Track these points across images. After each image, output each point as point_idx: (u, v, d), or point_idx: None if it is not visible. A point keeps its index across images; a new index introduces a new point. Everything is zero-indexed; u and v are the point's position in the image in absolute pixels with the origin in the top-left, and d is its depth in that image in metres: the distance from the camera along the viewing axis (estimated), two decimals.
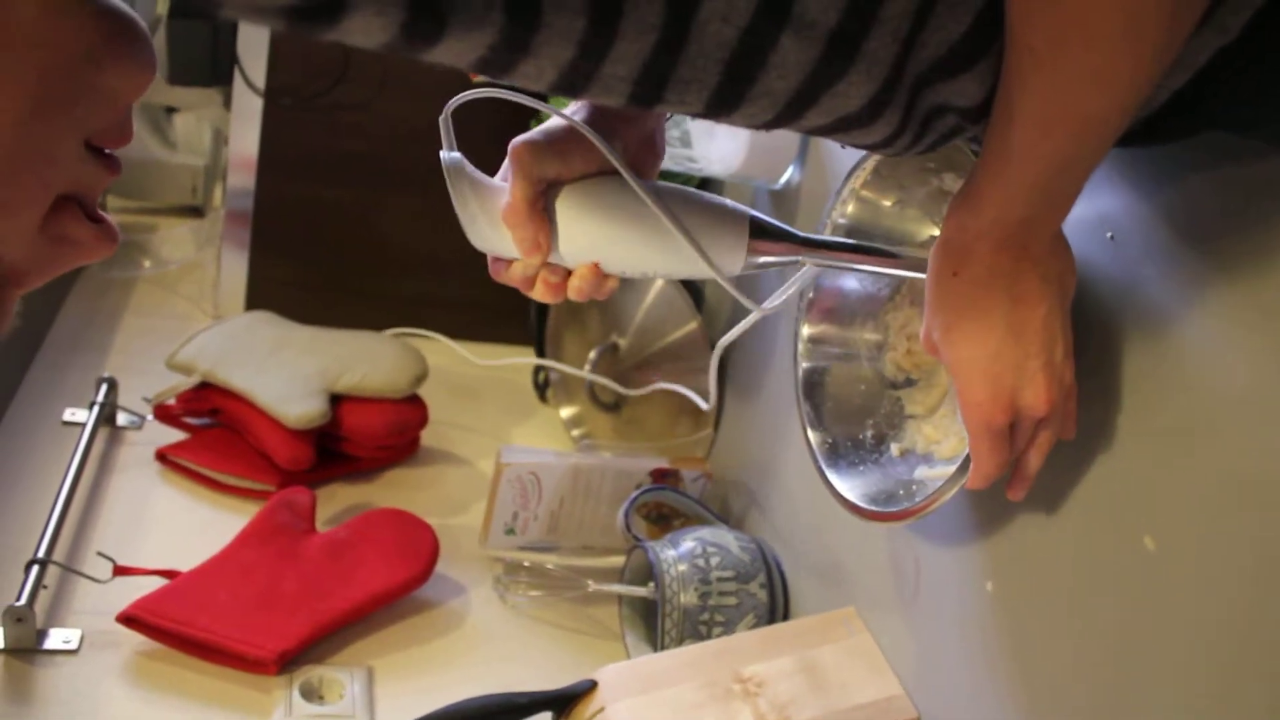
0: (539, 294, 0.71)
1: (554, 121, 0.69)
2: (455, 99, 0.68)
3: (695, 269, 0.70)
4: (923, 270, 0.71)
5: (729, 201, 0.72)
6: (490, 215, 0.68)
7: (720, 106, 0.57)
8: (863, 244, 0.77)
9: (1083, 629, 0.74)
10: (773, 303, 0.78)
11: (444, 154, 0.69)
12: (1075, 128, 0.55)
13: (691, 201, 0.70)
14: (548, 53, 0.52)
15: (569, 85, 0.55)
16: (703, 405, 0.91)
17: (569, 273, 0.71)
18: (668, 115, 0.76)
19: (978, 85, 0.57)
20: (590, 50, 0.52)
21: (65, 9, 0.46)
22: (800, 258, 0.73)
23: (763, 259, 0.71)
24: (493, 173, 0.71)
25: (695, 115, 0.58)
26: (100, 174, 0.51)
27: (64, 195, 0.50)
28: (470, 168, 0.69)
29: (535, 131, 0.69)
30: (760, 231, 0.71)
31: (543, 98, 0.66)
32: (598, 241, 0.69)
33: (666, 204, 0.68)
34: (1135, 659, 0.69)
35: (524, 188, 0.67)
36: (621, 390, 1.35)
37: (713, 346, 1.34)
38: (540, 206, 0.68)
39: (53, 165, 0.49)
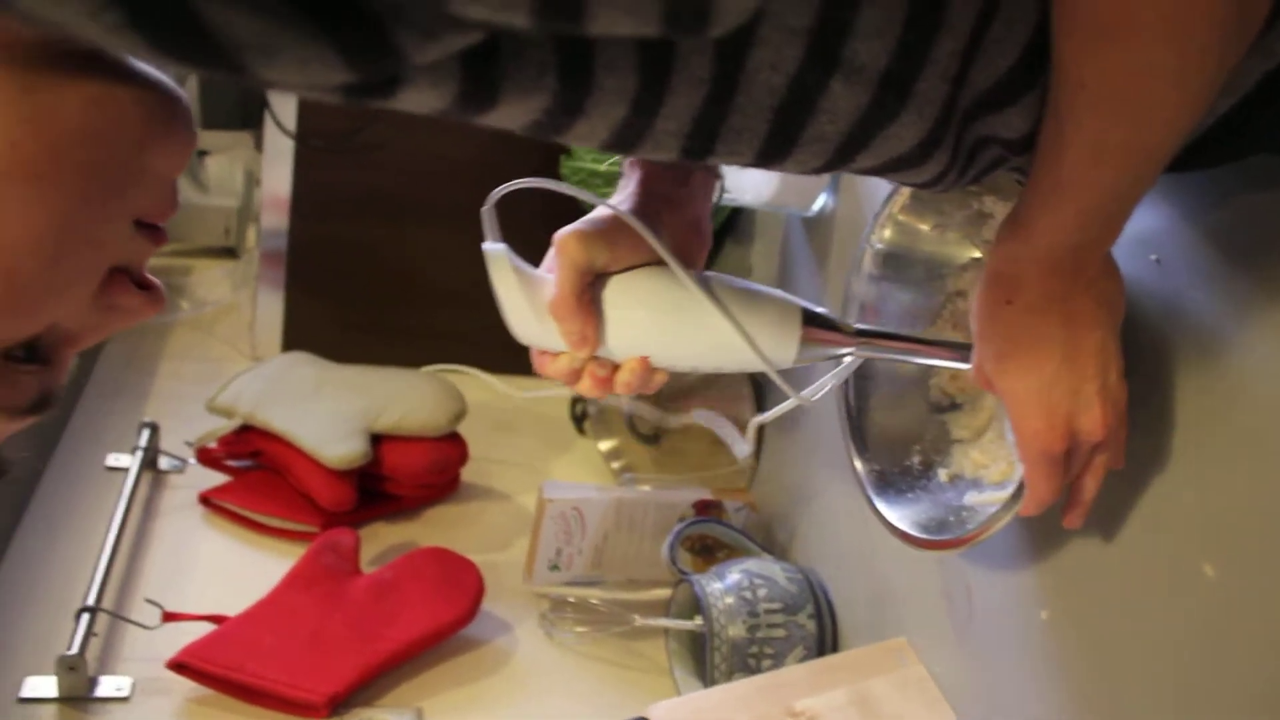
0: (585, 389, 0.69)
1: (599, 211, 0.68)
2: (498, 190, 0.66)
3: (746, 361, 0.69)
4: (967, 358, 0.71)
5: (778, 292, 0.70)
6: (536, 307, 0.66)
7: (771, 155, 0.57)
8: (911, 334, 0.76)
9: (1141, 659, 0.73)
10: (816, 393, 0.76)
11: (487, 245, 0.67)
12: (1126, 158, 0.55)
13: (741, 292, 0.68)
14: (600, 113, 0.52)
15: (621, 143, 0.55)
16: (740, 451, 0.87)
17: (616, 367, 0.69)
18: (715, 199, 0.75)
19: (1024, 118, 0.57)
20: (642, 107, 0.52)
21: (107, 101, 0.47)
22: (851, 350, 0.72)
23: (813, 351, 0.70)
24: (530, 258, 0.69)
25: (746, 165, 0.58)
26: (147, 246, 0.52)
27: (114, 267, 0.51)
28: (515, 258, 0.67)
29: (581, 221, 0.67)
30: (811, 321, 0.69)
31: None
32: (647, 335, 0.67)
33: (718, 296, 0.67)
34: (1196, 691, 0.68)
35: (571, 279, 0.65)
36: (658, 417, 1.34)
37: (755, 383, 1.34)
38: (588, 299, 0.66)
39: (103, 248, 0.50)
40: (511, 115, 0.51)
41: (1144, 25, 0.49)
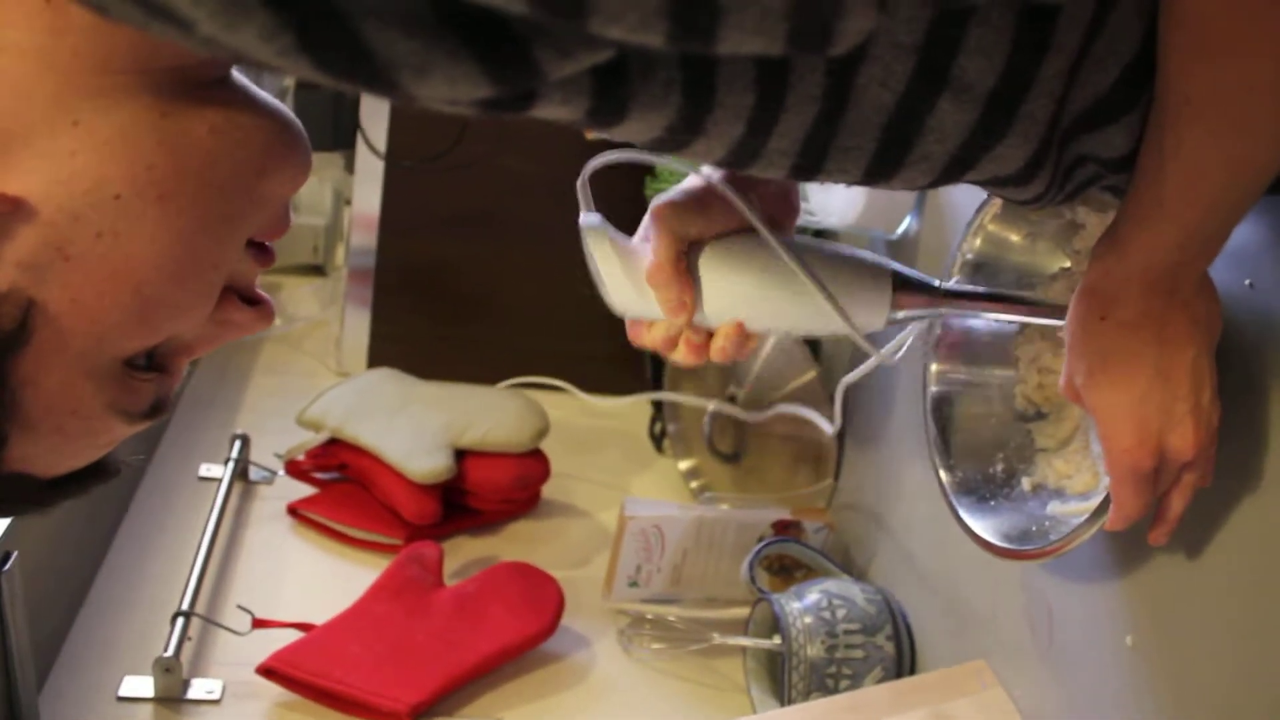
0: (681, 355, 0.70)
1: (691, 180, 0.69)
2: (593, 161, 0.68)
3: (839, 325, 0.70)
4: (1062, 316, 0.70)
5: (869, 255, 0.71)
6: (634, 276, 0.68)
7: (878, 174, 0.58)
8: (1002, 292, 0.75)
9: (1229, 690, 0.72)
10: (897, 352, 0.78)
11: (584, 216, 0.69)
12: (1229, 175, 0.55)
13: (833, 258, 0.70)
14: (718, 132, 0.53)
15: (735, 161, 0.56)
16: (827, 428, 0.89)
17: (710, 334, 0.70)
18: None
19: (1124, 137, 0.58)
20: (758, 125, 0.53)
21: (232, 128, 0.50)
22: (942, 310, 0.72)
23: (905, 313, 0.71)
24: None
25: (854, 183, 0.59)
26: (257, 266, 0.55)
27: (226, 286, 0.54)
28: (611, 229, 0.69)
29: (675, 191, 0.69)
30: (903, 285, 0.70)
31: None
32: (742, 300, 0.68)
33: (807, 262, 0.68)
34: None
35: (668, 247, 0.67)
36: (743, 415, 1.34)
37: (831, 397, 1.34)
38: (684, 266, 0.67)
39: (220, 270, 0.52)
40: (636, 130, 0.53)
41: (1251, 42, 0.49)
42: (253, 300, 0.57)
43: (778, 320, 0.70)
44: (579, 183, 0.69)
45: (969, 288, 0.76)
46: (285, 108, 0.53)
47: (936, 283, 0.72)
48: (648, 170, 1.59)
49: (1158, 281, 0.62)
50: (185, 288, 0.51)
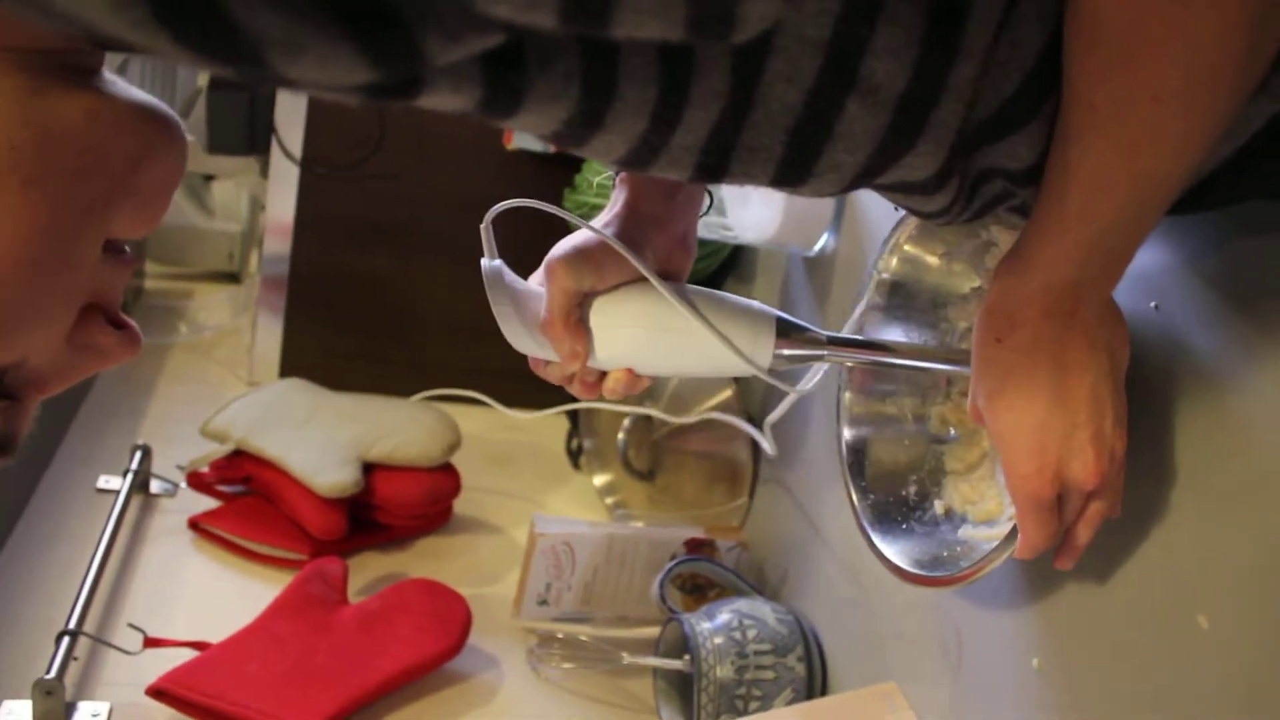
0: (576, 392, 0.75)
1: (585, 234, 0.71)
2: (496, 208, 0.69)
3: (724, 368, 0.73)
4: (944, 362, 0.76)
5: (755, 303, 0.75)
6: (530, 322, 0.71)
7: (787, 180, 0.57)
8: (883, 341, 0.80)
9: (1132, 712, 0.71)
10: (809, 383, 0.83)
11: (485, 262, 0.71)
12: (1132, 189, 0.54)
13: (721, 304, 0.73)
14: (619, 126, 0.52)
15: (638, 159, 0.54)
16: (768, 449, 0.92)
17: (604, 374, 0.74)
18: (703, 211, 0.78)
19: (1028, 147, 0.57)
20: (661, 121, 0.52)
21: (107, 113, 0.46)
22: (825, 353, 0.75)
23: (789, 352, 0.74)
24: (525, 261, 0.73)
25: (763, 186, 0.58)
26: (119, 272, 0.51)
27: (88, 304, 0.50)
28: (510, 275, 0.71)
29: (569, 246, 0.71)
30: (786, 330, 0.74)
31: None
32: (632, 348, 0.72)
33: (698, 309, 0.71)
34: None
35: (561, 302, 0.70)
36: (670, 419, 1.32)
37: (749, 416, 1.33)
38: (576, 318, 0.71)
39: (80, 270, 0.48)
40: (533, 122, 0.51)
41: (1158, 48, 0.48)
42: (118, 324, 0.52)
43: (666, 364, 0.74)
44: (482, 226, 0.70)
45: (850, 336, 0.79)
46: (166, 107, 0.50)
47: (819, 331, 0.75)
48: (567, 183, 1.57)
49: (1057, 303, 0.61)
50: (44, 287, 0.46)
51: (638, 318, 0.72)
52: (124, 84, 0.49)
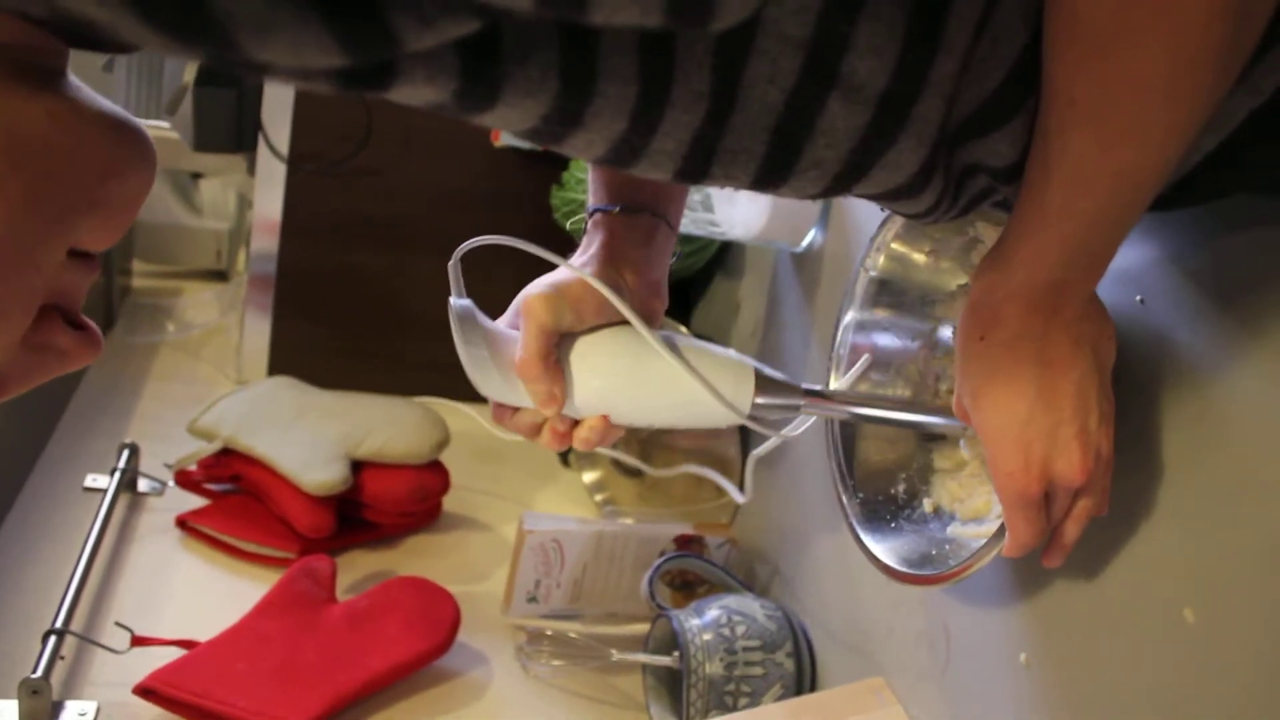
0: (545, 442, 0.71)
1: (562, 272, 0.69)
2: (463, 245, 0.67)
3: (703, 416, 0.72)
4: (923, 414, 0.77)
5: (733, 353, 0.73)
6: (502, 365, 0.67)
7: (768, 179, 0.56)
8: (860, 395, 0.79)
9: (1119, 706, 0.71)
10: (796, 429, 0.81)
11: (453, 301, 0.68)
12: (1113, 184, 0.54)
13: (701, 351, 0.71)
14: (599, 125, 0.51)
15: (618, 159, 0.54)
16: (738, 497, 0.90)
17: (576, 422, 0.71)
18: (673, 256, 0.78)
19: (1010, 145, 0.56)
20: (641, 122, 0.51)
21: (74, 120, 0.46)
22: (801, 403, 0.74)
23: (766, 401, 0.72)
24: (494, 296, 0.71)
25: (743, 188, 0.57)
26: (83, 277, 0.50)
27: (46, 305, 0.49)
28: (481, 316, 0.69)
29: (546, 284, 0.68)
30: (764, 382, 0.72)
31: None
32: (611, 393, 0.69)
33: (682, 355, 0.69)
34: None
35: (538, 341, 0.67)
36: (647, 469, 1.33)
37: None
38: (554, 360, 0.68)
39: (41, 272, 0.47)
40: (510, 118, 0.50)
41: (1141, 40, 0.48)
42: (78, 325, 0.51)
43: (644, 412, 0.71)
44: (450, 264, 0.68)
45: (827, 389, 0.79)
46: (134, 119, 0.49)
47: (796, 383, 0.74)
48: (554, 180, 1.57)
49: (1039, 300, 0.61)
50: (5, 288, 0.45)
51: (618, 360, 0.69)
52: (90, 91, 0.48)
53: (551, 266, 0.70)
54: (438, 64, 0.45)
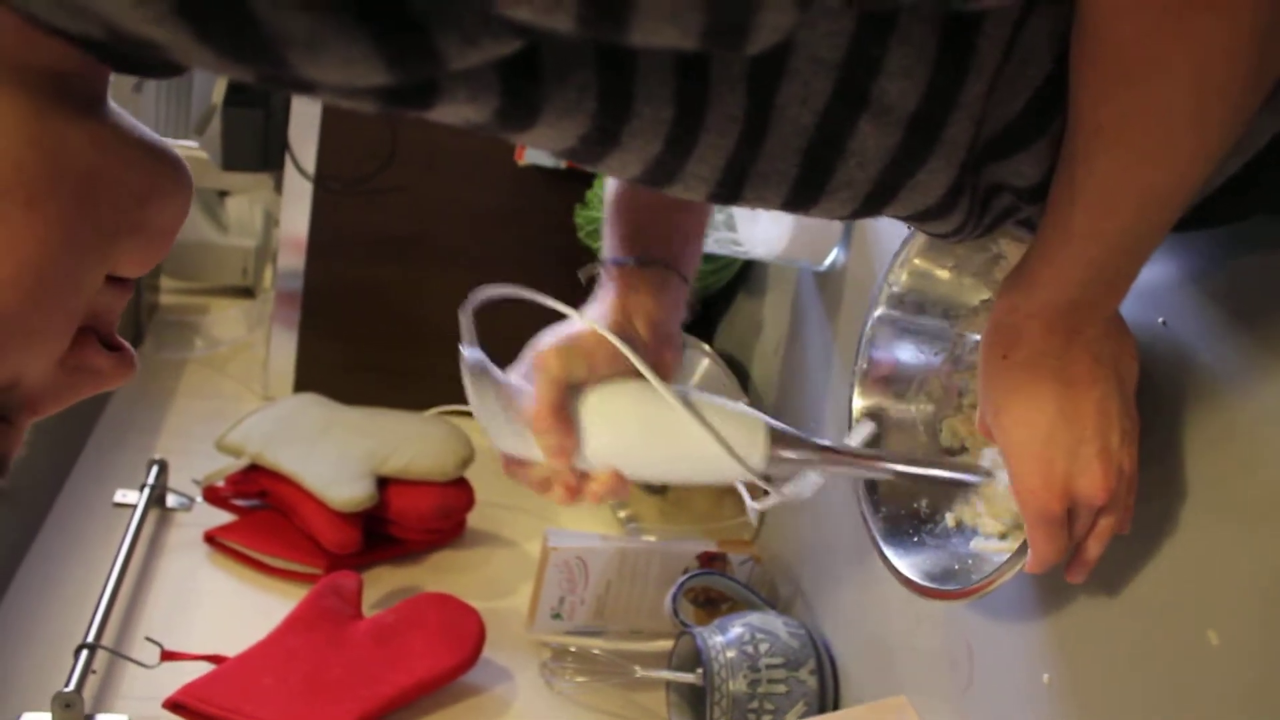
0: (555, 497, 0.71)
1: (575, 324, 0.69)
2: (475, 297, 0.67)
3: (715, 473, 0.71)
4: (936, 469, 0.76)
5: (747, 408, 0.73)
6: (514, 418, 0.67)
7: (799, 200, 0.57)
8: (873, 451, 0.79)
9: None
10: (807, 490, 0.78)
11: (465, 352, 0.68)
12: (1138, 207, 0.54)
13: (714, 406, 0.71)
14: (635, 146, 0.52)
15: (651, 180, 0.55)
16: (751, 513, 0.89)
17: (586, 475, 0.70)
18: (684, 320, 0.78)
19: (1035, 165, 0.57)
20: (677, 145, 0.52)
21: (117, 146, 0.46)
22: (817, 459, 0.73)
23: (782, 455, 0.72)
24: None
25: (773, 209, 0.58)
26: (118, 299, 0.51)
27: (83, 325, 0.49)
28: (494, 369, 0.69)
29: (560, 336, 0.69)
30: (778, 436, 0.72)
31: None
32: (625, 447, 0.69)
33: (697, 410, 0.69)
34: None
35: (551, 394, 0.67)
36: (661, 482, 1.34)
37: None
38: (566, 412, 0.67)
39: (81, 297, 0.48)
40: (548, 137, 0.51)
41: (1168, 68, 0.48)
42: (113, 346, 0.51)
43: (657, 467, 0.71)
44: (461, 314, 0.68)
45: (841, 446, 0.77)
46: (173, 149, 0.50)
47: (811, 437, 0.73)
48: (578, 199, 1.58)
49: (1060, 319, 0.61)
50: (41, 309, 0.46)
51: (631, 412, 0.69)
52: (129, 117, 0.49)
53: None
54: (479, 83, 0.46)
